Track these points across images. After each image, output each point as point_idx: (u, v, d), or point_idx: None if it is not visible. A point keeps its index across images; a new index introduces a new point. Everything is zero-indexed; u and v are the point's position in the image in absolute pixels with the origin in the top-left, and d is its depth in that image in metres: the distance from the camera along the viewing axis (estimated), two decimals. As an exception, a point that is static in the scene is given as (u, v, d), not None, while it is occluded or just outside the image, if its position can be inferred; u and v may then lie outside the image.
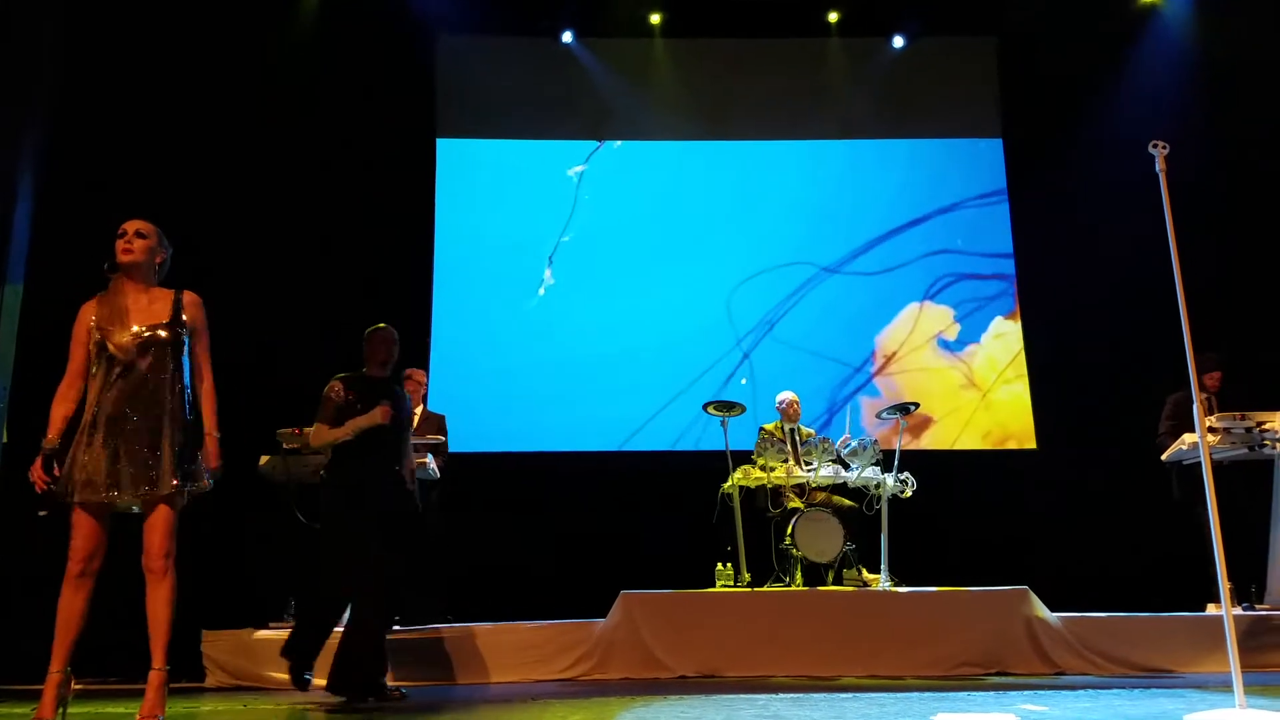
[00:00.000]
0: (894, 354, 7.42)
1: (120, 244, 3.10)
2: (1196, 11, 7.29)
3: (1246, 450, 5.05)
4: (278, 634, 4.70)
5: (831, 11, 7.69)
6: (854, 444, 5.43)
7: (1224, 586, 2.77)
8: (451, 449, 5.66)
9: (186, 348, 3.10)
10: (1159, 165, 2.85)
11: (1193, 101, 7.10)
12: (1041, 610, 4.80)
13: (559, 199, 7.57)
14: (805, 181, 7.66)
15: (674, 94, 7.72)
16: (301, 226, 6.80)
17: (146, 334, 3.02)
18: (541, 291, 7.40)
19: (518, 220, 7.49)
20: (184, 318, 3.10)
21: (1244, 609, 5.00)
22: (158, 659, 2.94)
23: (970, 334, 7.50)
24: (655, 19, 7.65)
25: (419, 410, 5.73)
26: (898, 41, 7.78)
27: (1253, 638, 4.68)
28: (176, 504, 2.98)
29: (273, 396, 6.12)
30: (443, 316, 7.28)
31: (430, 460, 5.19)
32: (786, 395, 6.06)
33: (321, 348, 6.61)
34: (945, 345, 7.47)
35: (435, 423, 5.68)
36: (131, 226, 3.13)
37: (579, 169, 7.60)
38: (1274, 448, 4.99)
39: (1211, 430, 4.99)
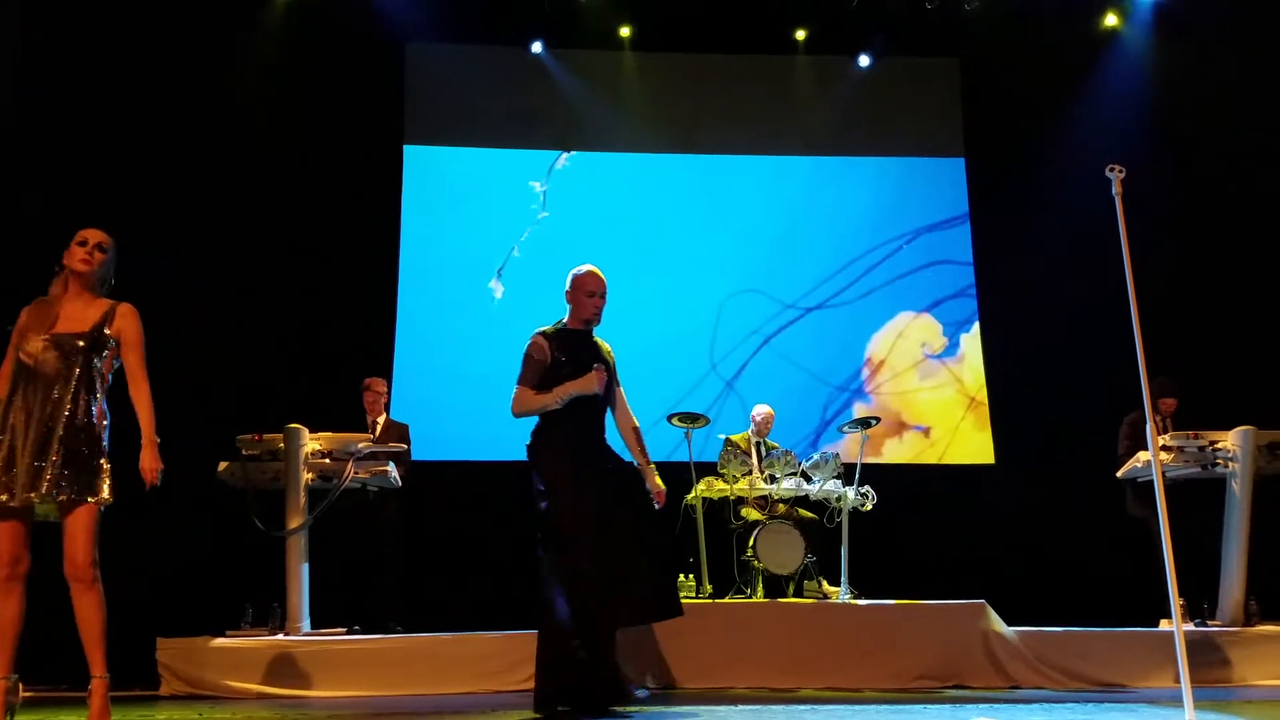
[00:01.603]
0: (881, 362, 7.48)
1: (80, 251, 3.10)
2: (1155, 37, 7.46)
3: (1200, 469, 5.15)
4: (235, 642, 4.63)
5: (799, 29, 7.78)
6: (815, 457, 5.49)
7: (1175, 603, 2.82)
8: (414, 458, 5.62)
9: (106, 358, 3.09)
10: (1115, 189, 2.92)
11: (1150, 125, 7.26)
12: (998, 624, 4.86)
13: (526, 208, 7.56)
14: (771, 196, 7.71)
15: (642, 106, 7.74)
16: (266, 231, 6.72)
17: (58, 341, 3.02)
18: (499, 295, 7.35)
19: (484, 229, 7.46)
20: (108, 330, 3.09)
21: (1196, 625, 5.10)
22: (97, 667, 2.94)
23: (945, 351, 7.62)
24: (625, 32, 7.68)
25: (382, 419, 5.68)
26: (863, 60, 7.89)
27: (1205, 653, 4.77)
28: (92, 512, 2.96)
29: (233, 402, 6.06)
30: (407, 324, 7.22)
31: (392, 469, 5.15)
32: (763, 409, 6.09)
33: (283, 354, 6.57)
34: (934, 358, 7.55)
35: (398, 432, 5.64)
36: (94, 238, 3.14)
37: (540, 185, 7.57)
38: (1226, 466, 5.10)
39: (1165, 449, 5.09)
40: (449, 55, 7.63)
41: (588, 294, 3.59)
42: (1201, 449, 5.10)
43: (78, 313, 3.08)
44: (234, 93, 6.78)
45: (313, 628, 4.90)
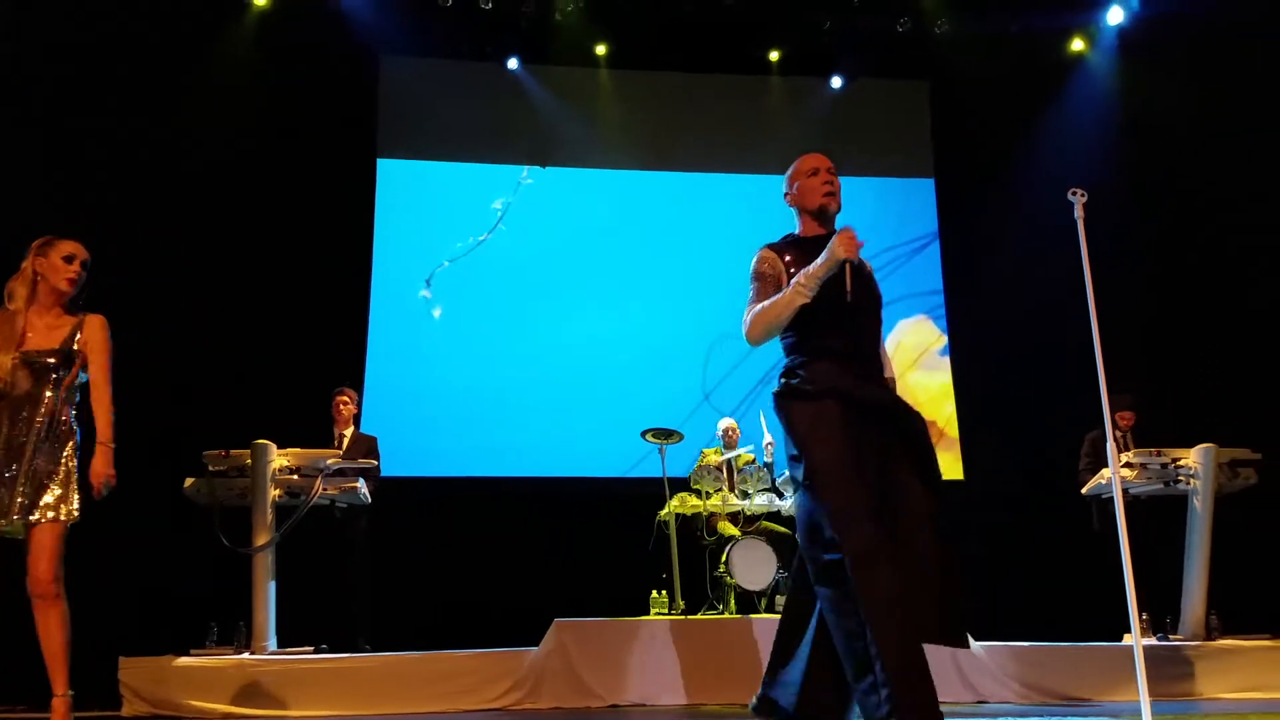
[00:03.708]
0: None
1: (67, 270, 3.09)
2: (1119, 61, 7.63)
3: (1162, 485, 5.24)
4: (200, 661, 4.56)
5: (773, 50, 7.87)
6: (788, 473, 5.49)
7: (1135, 617, 2.87)
8: (384, 473, 5.59)
9: (73, 373, 3.07)
10: (1078, 212, 2.98)
11: (1115, 147, 7.40)
12: (966, 639, 4.88)
13: (503, 221, 7.56)
14: (747, 214, 7.75)
15: (618, 124, 7.80)
16: (237, 244, 6.67)
17: (29, 360, 2.99)
18: (437, 313, 7.35)
19: (456, 243, 7.46)
20: (76, 345, 3.07)
21: (1159, 639, 5.17)
22: (59, 685, 2.91)
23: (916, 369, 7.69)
24: (601, 49, 7.73)
25: (349, 432, 5.65)
26: (836, 82, 7.99)
27: (1168, 667, 4.83)
28: (58, 529, 2.93)
29: (200, 418, 5.99)
30: (379, 338, 7.20)
31: (361, 485, 5.11)
32: (726, 422, 6.12)
33: (253, 369, 6.51)
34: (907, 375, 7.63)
35: (367, 445, 5.60)
36: (81, 254, 3.14)
37: (498, 203, 7.57)
38: (1188, 483, 5.18)
39: (1129, 466, 5.17)
40: (425, 69, 7.64)
41: (809, 173, 2.80)
42: (1164, 466, 5.19)
43: (47, 328, 3.05)
44: (207, 104, 6.73)
45: (279, 646, 4.83)
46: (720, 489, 5.61)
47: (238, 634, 4.84)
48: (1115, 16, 7.35)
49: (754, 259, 2.77)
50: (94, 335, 3.10)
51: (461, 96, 7.65)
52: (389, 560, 5.86)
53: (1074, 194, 2.99)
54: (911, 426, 2.58)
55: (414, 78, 7.63)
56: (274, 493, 4.92)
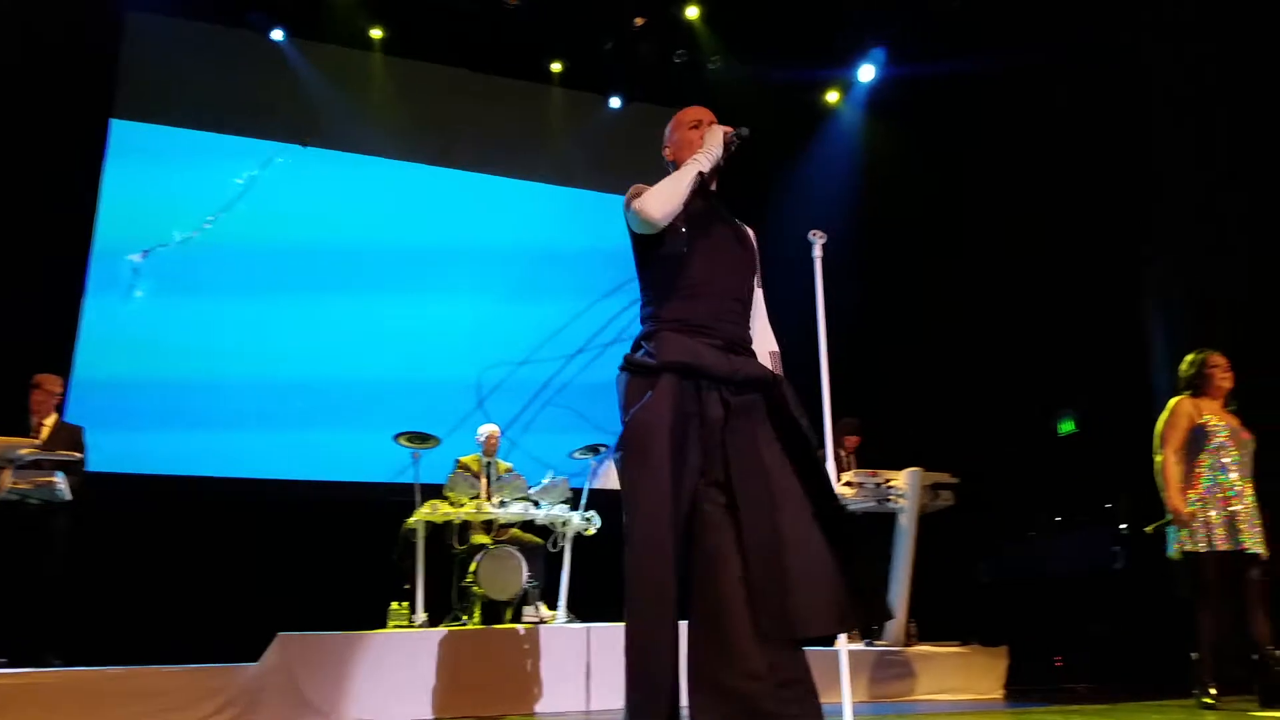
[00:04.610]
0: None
1: None
2: (866, 117, 8.34)
3: (876, 503, 5.77)
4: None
5: (555, 62, 7.92)
6: (545, 481, 5.51)
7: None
8: (90, 468, 5.00)
9: None
10: (816, 251, 3.22)
11: (855, 194, 8.07)
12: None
13: (247, 199, 7.05)
14: (517, 220, 7.75)
15: (390, 111, 7.53)
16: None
17: None
18: (139, 293, 6.80)
19: (196, 217, 6.87)
20: None
21: (866, 645, 5.65)
22: None
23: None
24: (376, 33, 7.44)
25: (50, 420, 5.03)
26: (615, 102, 8.16)
27: (875, 670, 5.29)
28: None
29: None
30: (94, 317, 6.46)
31: (60, 479, 4.56)
32: (488, 428, 6.03)
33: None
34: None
35: (70, 436, 5.00)
36: None
37: (241, 179, 7.11)
38: (897, 502, 5.74)
39: (849, 485, 5.65)
40: (179, 31, 7.02)
41: (690, 125, 2.64)
42: (878, 485, 5.72)
43: None
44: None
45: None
46: (475, 496, 5.50)
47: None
48: (867, 74, 8.04)
49: (628, 192, 2.49)
50: None
51: (219, 63, 7.09)
52: (91, 565, 5.26)
53: (814, 235, 3.22)
54: (777, 400, 2.35)
55: (165, 38, 6.98)
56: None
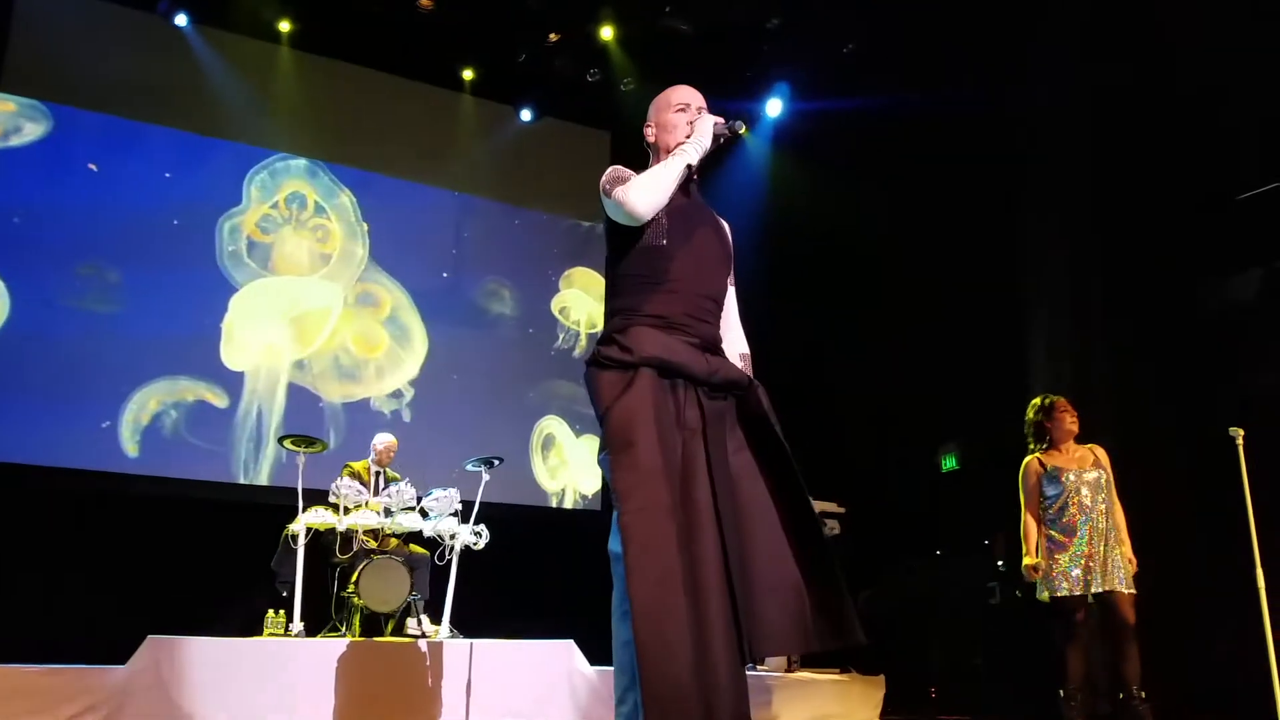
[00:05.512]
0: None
1: None
2: (771, 150, 8.54)
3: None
4: None
5: (467, 69, 7.86)
6: (436, 492, 5.40)
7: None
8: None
9: None
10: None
11: (760, 228, 8.22)
12: (583, 664, 5.10)
13: (147, 186, 6.73)
14: (416, 223, 7.63)
15: (295, 106, 7.33)
16: None
17: None
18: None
19: (74, 205, 6.52)
20: None
21: (750, 669, 5.74)
22: None
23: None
24: (285, 26, 7.24)
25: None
26: (526, 114, 8.16)
27: (757, 695, 5.30)
28: None
29: None
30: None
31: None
32: (385, 438, 5.90)
33: None
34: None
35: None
36: None
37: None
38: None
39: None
40: (76, 8, 6.67)
41: (677, 108, 2.51)
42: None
43: None
44: None
45: None
46: (362, 504, 5.35)
47: None
48: (774, 108, 8.24)
49: (605, 175, 2.41)
50: None
51: (116, 44, 6.78)
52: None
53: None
54: (753, 404, 2.29)
55: (60, 13, 6.63)
56: None
